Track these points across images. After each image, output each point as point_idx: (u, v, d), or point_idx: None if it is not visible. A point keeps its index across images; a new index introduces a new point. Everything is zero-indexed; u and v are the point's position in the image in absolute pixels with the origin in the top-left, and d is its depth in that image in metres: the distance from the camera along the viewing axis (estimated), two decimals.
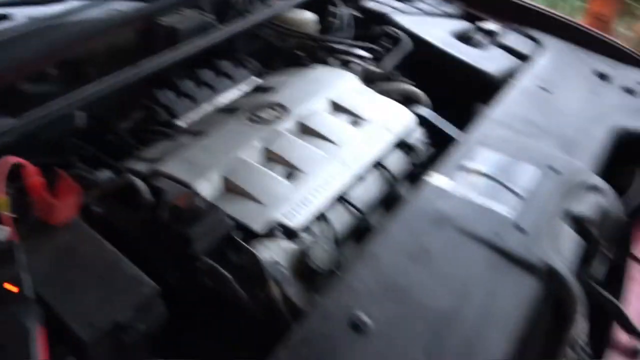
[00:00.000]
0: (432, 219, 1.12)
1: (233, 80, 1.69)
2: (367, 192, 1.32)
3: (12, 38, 1.29)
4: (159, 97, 1.51)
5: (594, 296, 1.13)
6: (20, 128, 1.14)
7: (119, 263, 0.94)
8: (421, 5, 2.10)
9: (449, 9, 2.12)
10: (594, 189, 1.29)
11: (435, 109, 1.61)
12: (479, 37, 1.93)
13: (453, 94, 1.65)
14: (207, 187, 1.17)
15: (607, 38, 1.93)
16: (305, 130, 1.39)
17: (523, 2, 2.08)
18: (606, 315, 1.12)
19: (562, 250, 1.13)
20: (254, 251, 1.03)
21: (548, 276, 1.05)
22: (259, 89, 1.59)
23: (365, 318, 0.92)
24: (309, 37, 1.83)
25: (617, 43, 1.91)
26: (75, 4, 1.47)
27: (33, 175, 0.97)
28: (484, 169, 1.27)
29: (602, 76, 1.73)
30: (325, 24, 1.94)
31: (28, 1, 1.47)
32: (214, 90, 1.63)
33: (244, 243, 1.05)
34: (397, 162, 1.42)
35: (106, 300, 0.88)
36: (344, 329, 0.91)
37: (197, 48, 1.54)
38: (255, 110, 1.43)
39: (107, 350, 0.85)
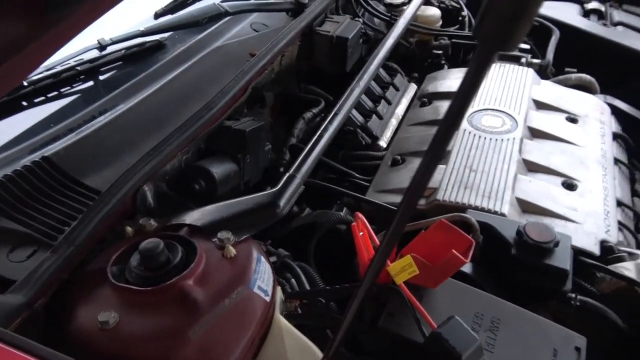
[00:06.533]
0: None
1: (398, 90, 1.57)
2: (622, 191, 1.26)
3: None
4: (354, 118, 1.36)
5: None
6: None
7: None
8: None
9: None
10: None
11: None
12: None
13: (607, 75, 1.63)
14: (510, 211, 1.06)
15: None
16: (537, 134, 1.31)
17: None
18: None
19: None
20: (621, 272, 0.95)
21: None
22: (448, 95, 1.48)
23: None
24: (457, 36, 1.73)
25: None
26: None
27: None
28: None
29: None
30: (453, 19, 1.85)
31: None
32: (389, 103, 1.51)
33: (602, 265, 0.97)
34: (622, 155, 1.38)
35: None
36: None
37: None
38: (476, 121, 1.32)
39: None
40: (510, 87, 1.44)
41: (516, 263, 0.93)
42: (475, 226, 0.96)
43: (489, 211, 1.05)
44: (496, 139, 1.24)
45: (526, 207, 1.09)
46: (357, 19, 1.65)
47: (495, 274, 0.96)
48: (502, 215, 1.04)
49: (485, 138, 1.25)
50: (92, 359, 0.70)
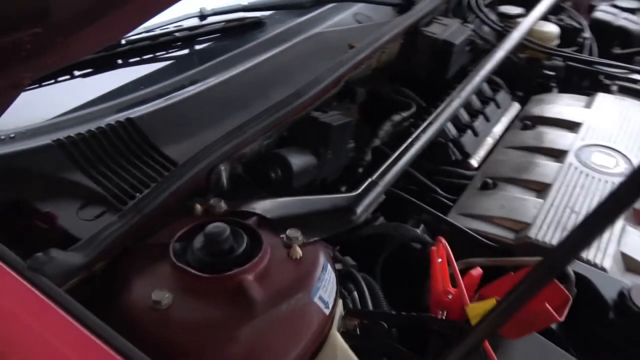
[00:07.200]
0: None
1: (499, 106, 1.45)
2: None
3: None
4: (447, 131, 1.26)
5: None
6: None
7: None
8: None
9: None
10: None
11: None
12: None
13: None
14: (612, 266, 0.93)
15: None
16: None
17: None
18: None
19: None
20: None
21: None
22: (554, 122, 1.34)
23: None
24: (574, 58, 1.57)
25: None
26: None
27: None
28: None
29: None
30: (571, 40, 1.69)
31: None
32: (488, 120, 1.39)
33: None
34: None
35: None
36: None
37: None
38: (585, 157, 1.18)
39: None
40: (629, 125, 1.28)
41: (613, 329, 0.81)
42: (571, 277, 0.84)
43: (587, 262, 0.92)
44: (606, 181, 1.10)
45: (631, 264, 0.95)
46: (467, 24, 1.54)
47: (584, 336, 0.84)
48: (603, 269, 0.91)
49: (593, 177, 1.11)
50: (136, 336, 0.66)
